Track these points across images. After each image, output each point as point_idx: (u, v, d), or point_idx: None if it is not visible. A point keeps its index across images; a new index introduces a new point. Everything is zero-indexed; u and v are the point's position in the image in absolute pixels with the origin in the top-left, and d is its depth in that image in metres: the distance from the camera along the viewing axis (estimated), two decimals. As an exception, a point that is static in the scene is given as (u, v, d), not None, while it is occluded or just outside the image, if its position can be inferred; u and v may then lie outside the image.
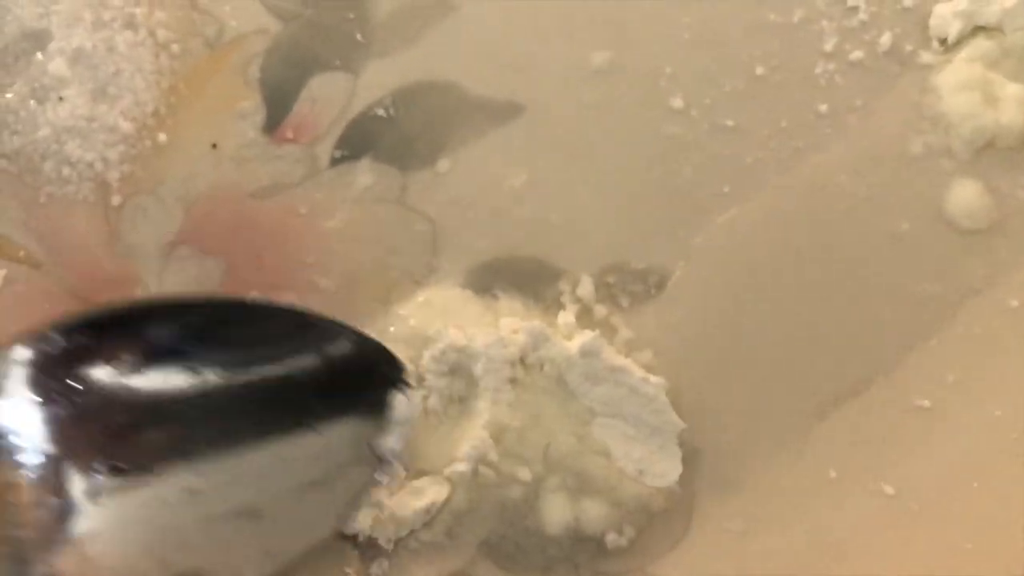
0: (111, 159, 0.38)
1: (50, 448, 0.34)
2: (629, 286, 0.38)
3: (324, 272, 0.38)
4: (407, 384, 0.36)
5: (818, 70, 0.39)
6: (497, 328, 0.37)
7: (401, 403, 0.36)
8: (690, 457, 0.37)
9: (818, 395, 0.38)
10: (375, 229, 0.39)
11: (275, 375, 0.35)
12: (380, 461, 0.36)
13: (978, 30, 0.39)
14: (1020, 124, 0.39)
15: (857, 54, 0.39)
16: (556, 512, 0.37)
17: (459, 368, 0.37)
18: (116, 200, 0.38)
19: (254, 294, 0.38)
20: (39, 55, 0.38)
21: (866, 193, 0.39)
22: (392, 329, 0.38)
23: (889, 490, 0.37)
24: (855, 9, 0.40)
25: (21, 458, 0.34)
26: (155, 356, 0.35)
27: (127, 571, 0.34)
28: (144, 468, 0.34)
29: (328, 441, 0.35)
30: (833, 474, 0.37)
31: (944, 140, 0.39)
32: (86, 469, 0.34)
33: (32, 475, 0.34)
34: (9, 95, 0.38)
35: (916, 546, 0.37)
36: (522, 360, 0.37)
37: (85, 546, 0.34)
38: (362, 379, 0.36)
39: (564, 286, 0.38)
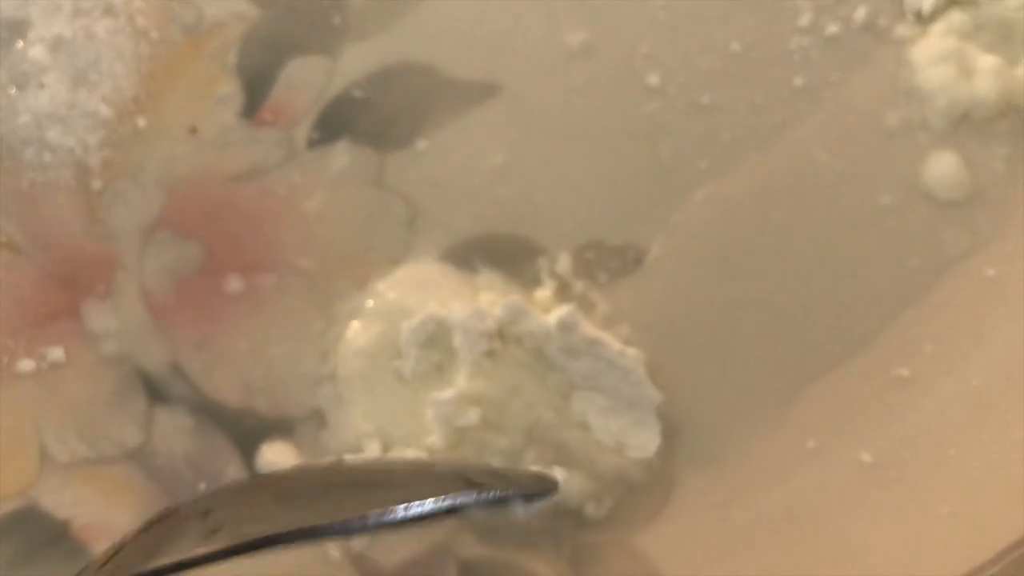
0: (91, 144, 0.39)
1: None
2: (607, 262, 0.39)
3: (303, 253, 0.38)
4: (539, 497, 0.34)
5: (793, 45, 0.39)
6: (476, 302, 0.37)
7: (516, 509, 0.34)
8: (669, 429, 0.37)
9: (797, 366, 0.38)
10: (353, 210, 0.39)
11: None
12: None
13: (952, 3, 0.39)
14: (995, 95, 0.39)
15: (832, 29, 0.39)
16: (535, 484, 0.37)
17: (437, 339, 0.37)
18: (97, 185, 0.39)
19: (235, 277, 0.38)
20: (19, 43, 0.39)
21: (843, 167, 0.39)
22: (370, 303, 0.38)
23: (867, 458, 0.37)
24: (830, -17, 0.40)
25: None
26: None
27: None
28: None
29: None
30: (812, 444, 0.38)
31: (920, 113, 0.39)
32: None
33: None
34: (-11, 83, 0.39)
35: (894, 512, 0.37)
36: (500, 333, 0.37)
37: None
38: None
39: (543, 263, 0.39)
